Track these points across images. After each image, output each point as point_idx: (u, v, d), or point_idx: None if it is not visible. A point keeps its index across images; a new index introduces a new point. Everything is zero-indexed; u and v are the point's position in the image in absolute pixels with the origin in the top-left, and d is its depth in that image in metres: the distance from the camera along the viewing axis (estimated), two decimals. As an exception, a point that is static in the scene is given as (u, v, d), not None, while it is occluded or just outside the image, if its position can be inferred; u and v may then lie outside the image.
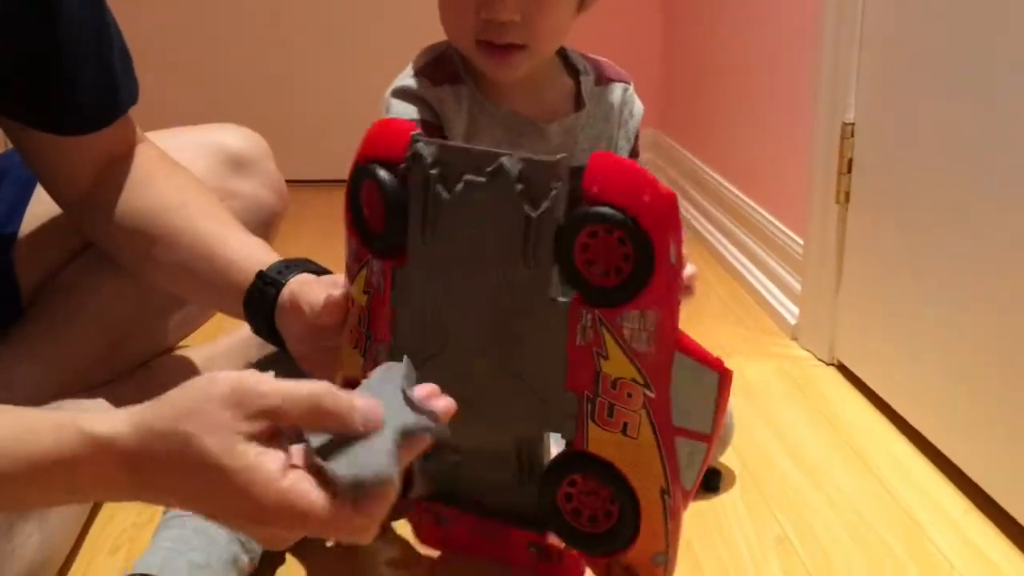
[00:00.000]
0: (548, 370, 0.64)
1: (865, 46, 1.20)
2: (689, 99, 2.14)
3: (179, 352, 1.14)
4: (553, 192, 0.61)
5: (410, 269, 0.66)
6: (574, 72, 0.89)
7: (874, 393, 1.20)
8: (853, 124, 1.22)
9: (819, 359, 1.33)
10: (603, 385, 0.63)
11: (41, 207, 1.04)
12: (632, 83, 0.92)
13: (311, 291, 0.75)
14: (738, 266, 1.67)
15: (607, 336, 0.62)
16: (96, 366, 1.03)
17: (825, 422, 1.15)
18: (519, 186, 0.62)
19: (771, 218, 1.58)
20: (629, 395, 0.63)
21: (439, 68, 0.85)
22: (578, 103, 0.88)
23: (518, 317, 0.64)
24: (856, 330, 1.26)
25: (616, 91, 0.90)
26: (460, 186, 0.63)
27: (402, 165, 0.65)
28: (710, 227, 1.88)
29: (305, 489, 0.48)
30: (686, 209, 2.04)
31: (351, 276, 0.71)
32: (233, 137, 1.14)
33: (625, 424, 0.63)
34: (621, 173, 0.62)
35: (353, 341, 0.72)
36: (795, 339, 1.40)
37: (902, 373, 1.14)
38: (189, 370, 1.06)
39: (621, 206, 0.60)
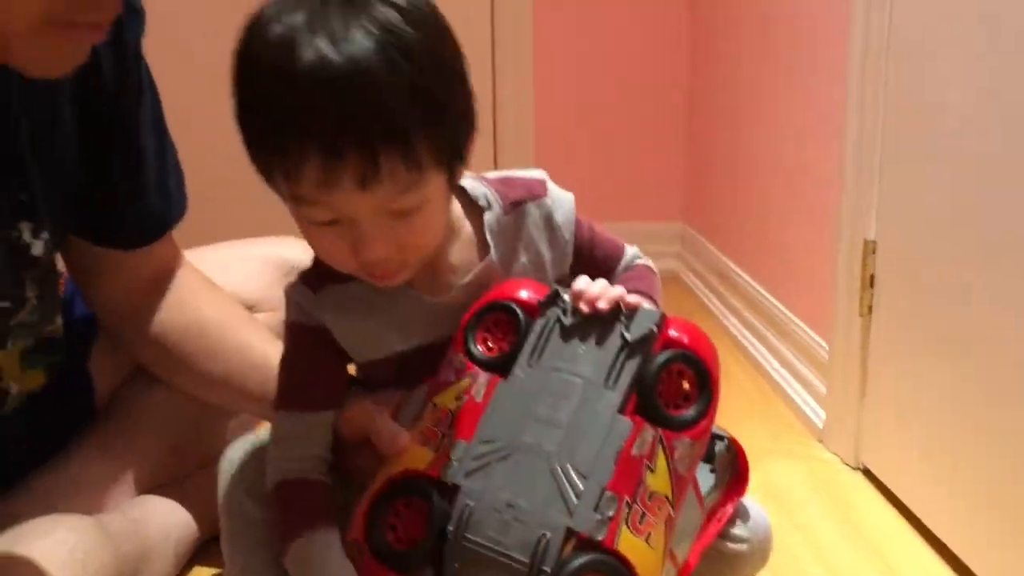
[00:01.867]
0: (599, 472, 0.73)
1: (886, 168, 1.28)
2: (714, 194, 2.22)
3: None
4: (650, 330, 0.76)
5: (511, 383, 0.77)
6: (479, 211, 0.82)
7: (900, 500, 1.24)
8: (875, 242, 1.30)
9: (845, 463, 1.38)
10: (642, 494, 0.73)
11: None
12: (546, 190, 0.84)
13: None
14: (766, 365, 1.73)
15: (661, 454, 0.74)
16: (159, 469, 1.10)
17: (852, 529, 1.20)
18: (626, 320, 0.76)
19: (797, 320, 1.64)
20: (659, 508, 0.73)
21: (321, 268, 0.78)
22: (484, 246, 0.81)
23: (586, 425, 0.74)
24: (881, 437, 1.31)
25: (530, 211, 0.84)
26: (579, 319, 0.77)
27: (540, 300, 0.78)
28: (738, 324, 1.94)
29: None
30: (713, 304, 2.11)
31: (445, 385, 0.79)
32: (293, 250, 1.22)
33: (649, 534, 0.72)
34: (690, 327, 0.78)
35: (423, 439, 0.78)
36: (821, 441, 1.45)
37: (925, 482, 1.18)
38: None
39: (697, 352, 0.76)
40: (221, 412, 1.15)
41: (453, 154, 0.73)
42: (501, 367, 0.77)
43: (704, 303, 2.16)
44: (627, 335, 0.76)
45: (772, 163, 1.81)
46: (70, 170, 0.88)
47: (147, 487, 1.07)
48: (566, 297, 0.78)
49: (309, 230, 0.74)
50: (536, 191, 0.84)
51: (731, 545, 0.95)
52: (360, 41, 0.64)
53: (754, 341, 1.83)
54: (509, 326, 0.78)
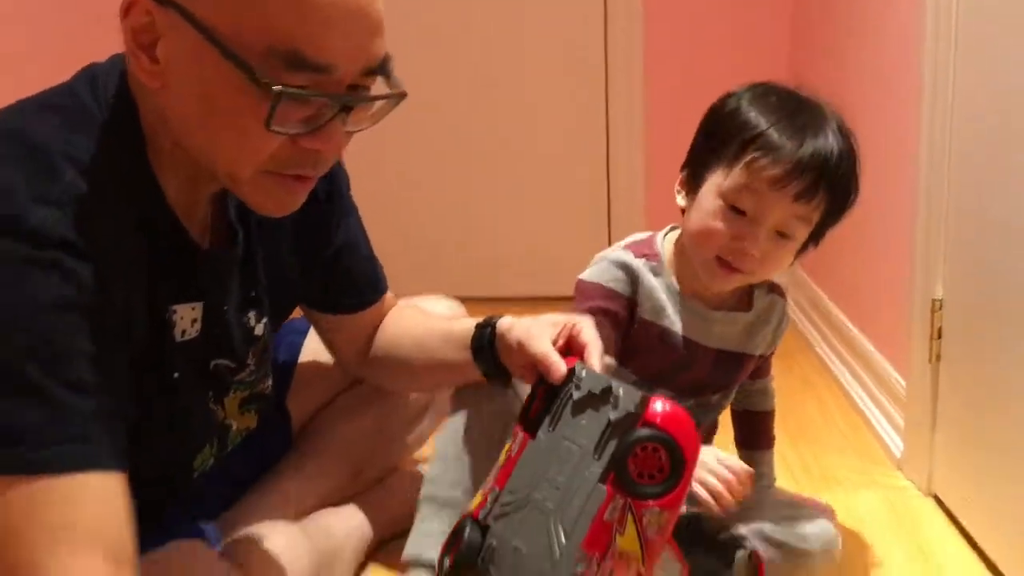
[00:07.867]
0: (577, 532, 0.87)
1: (952, 233, 1.45)
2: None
3: (408, 470, 1.49)
4: (628, 412, 0.88)
5: (535, 444, 0.94)
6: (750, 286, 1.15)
7: (964, 527, 1.41)
8: (941, 300, 1.47)
9: (919, 490, 1.55)
10: (612, 553, 0.86)
11: (310, 355, 1.42)
12: (786, 298, 1.19)
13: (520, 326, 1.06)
14: (855, 396, 1.91)
15: (629, 519, 0.86)
16: (343, 487, 1.39)
17: (920, 555, 1.38)
18: (614, 401, 0.89)
19: (880, 357, 1.81)
20: (628, 565, 0.86)
21: (644, 247, 1.14)
22: (748, 304, 1.15)
23: (576, 490, 0.89)
24: (950, 469, 1.48)
25: (779, 303, 1.18)
26: (584, 395, 0.92)
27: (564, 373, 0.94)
28: (832, 356, 2.11)
29: None
30: (812, 337, 2.28)
31: (502, 444, 0.98)
32: (441, 307, 1.51)
33: None
34: (675, 412, 0.88)
35: (485, 486, 0.97)
36: (900, 469, 1.63)
37: (987, 512, 1.35)
38: (415, 484, 1.31)
39: (673, 434, 0.86)
40: (394, 438, 1.44)
41: (822, 232, 1.09)
42: (534, 427, 0.93)
43: (804, 335, 2.33)
44: (611, 415, 0.88)
45: (862, 213, 1.98)
46: (289, 270, 1.17)
47: (334, 501, 1.36)
48: (583, 373, 0.92)
49: (714, 207, 1.04)
50: (784, 294, 1.21)
51: (799, 544, 1.14)
52: (833, 137, 1.06)
53: (845, 373, 2.00)
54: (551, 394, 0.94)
